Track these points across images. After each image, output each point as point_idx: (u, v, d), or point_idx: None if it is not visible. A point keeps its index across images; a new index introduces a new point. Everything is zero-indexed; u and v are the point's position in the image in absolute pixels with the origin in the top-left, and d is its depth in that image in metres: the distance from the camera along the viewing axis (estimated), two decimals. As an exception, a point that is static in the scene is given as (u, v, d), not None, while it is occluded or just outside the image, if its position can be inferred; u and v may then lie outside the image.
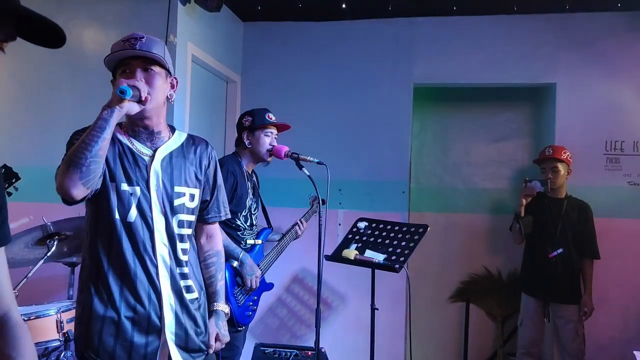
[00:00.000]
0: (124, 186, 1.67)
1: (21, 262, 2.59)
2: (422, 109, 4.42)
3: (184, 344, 1.74)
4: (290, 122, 2.95)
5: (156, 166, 1.72)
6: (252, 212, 2.89)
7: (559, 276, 3.45)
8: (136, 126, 1.74)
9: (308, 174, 2.50)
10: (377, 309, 2.79)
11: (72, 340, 2.52)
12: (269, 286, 3.01)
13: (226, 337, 1.91)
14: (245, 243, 2.84)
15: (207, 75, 3.88)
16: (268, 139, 2.81)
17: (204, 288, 1.87)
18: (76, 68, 3.42)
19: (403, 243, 2.74)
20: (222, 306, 1.92)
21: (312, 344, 2.59)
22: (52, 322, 2.44)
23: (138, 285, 1.66)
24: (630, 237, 3.81)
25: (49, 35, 0.87)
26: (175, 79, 1.82)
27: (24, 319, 2.34)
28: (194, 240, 1.87)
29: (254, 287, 2.77)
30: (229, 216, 2.02)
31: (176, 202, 1.74)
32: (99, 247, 1.68)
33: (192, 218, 1.82)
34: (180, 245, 1.75)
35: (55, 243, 2.55)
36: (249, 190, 2.85)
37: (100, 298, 1.66)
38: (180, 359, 1.71)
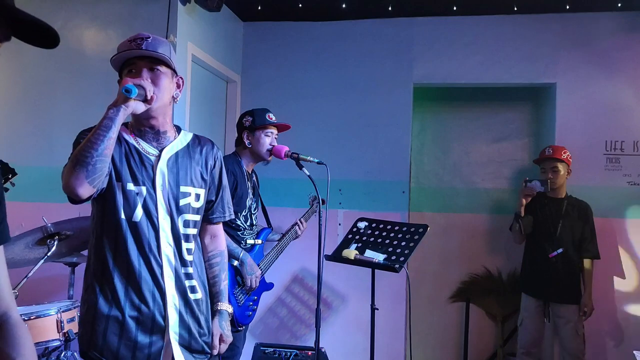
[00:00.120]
0: (130, 186, 1.67)
1: (21, 262, 2.59)
2: (422, 109, 4.42)
3: (188, 344, 1.74)
4: (290, 122, 2.96)
5: (162, 166, 1.73)
6: (252, 212, 2.89)
7: (559, 276, 3.45)
8: (142, 126, 1.75)
9: (308, 174, 2.50)
10: (377, 309, 2.79)
11: (72, 340, 2.52)
12: (269, 286, 3.02)
13: (230, 338, 1.91)
14: (245, 243, 2.84)
15: (207, 75, 3.88)
16: (268, 139, 2.81)
17: (207, 288, 1.87)
18: (76, 68, 3.42)
19: (403, 243, 2.74)
20: (225, 306, 1.93)
21: (312, 344, 2.59)
22: (52, 322, 2.45)
23: (143, 285, 1.66)
24: (631, 237, 3.81)
25: (42, 35, 0.88)
26: (181, 78, 1.82)
27: (24, 319, 2.34)
28: (199, 240, 1.87)
29: (254, 286, 2.77)
30: (233, 217, 2.03)
31: (182, 202, 1.75)
32: (104, 246, 1.68)
33: (198, 218, 1.82)
34: (185, 245, 1.75)
35: (56, 243, 2.55)
36: (249, 190, 2.85)
37: (105, 297, 1.66)
38: (183, 359, 1.72)
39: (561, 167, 3.53)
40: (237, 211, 2.74)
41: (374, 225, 2.92)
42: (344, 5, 3.83)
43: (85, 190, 1.53)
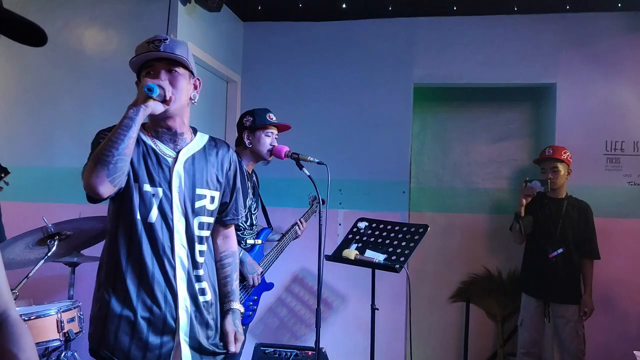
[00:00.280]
0: (147, 187, 1.68)
1: (22, 262, 2.59)
2: (422, 109, 4.42)
3: (197, 346, 1.75)
4: (291, 122, 2.96)
5: (179, 168, 1.74)
6: (252, 212, 2.89)
7: (559, 276, 3.45)
8: (159, 127, 1.75)
9: (308, 174, 2.49)
10: (378, 309, 2.79)
11: (72, 340, 2.52)
12: (269, 286, 3.02)
13: (242, 336, 1.93)
14: (245, 243, 2.84)
15: (207, 75, 3.88)
16: (268, 139, 2.81)
17: (216, 291, 1.88)
18: (76, 68, 3.43)
19: (403, 243, 2.74)
20: (237, 305, 1.95)
21: (312, 344, 2.58)
22: (52, 322, 2.44)
23: (155, 287, 1.67)
24: (630, 237, 3.81)
25: (30, 34, 0.89)
26: (199, 80, 1.83)
27: (24, 319, 2.34)
28: (210, 242, 1.88)
29: (255, 284, 2.78)
30: (244, 219, 2.04)
31: (197, 204, 1.76)
32: (119, 246, 1.69)
33: (212, 220, 1.83)
34: (198, 247, 1.76)
35: (56, 243, 2.55)
36: (249, 190, 2.85)
37: (118, 297, 1.67)
38: None
39: (561, 167, 3.53)
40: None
41: (374, 225, 2.92)
42: (344, 5, 3.83)
43: (106, 188, 1.55)
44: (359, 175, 4.07)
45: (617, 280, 3.78)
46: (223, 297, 1.93)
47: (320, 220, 2.44)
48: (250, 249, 2.86)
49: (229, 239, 2.00)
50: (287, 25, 4.24)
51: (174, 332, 1.70)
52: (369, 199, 4.05)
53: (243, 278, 2.77)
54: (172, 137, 1.76)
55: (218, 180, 1.83)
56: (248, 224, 2.86)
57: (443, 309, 4.39)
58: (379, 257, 2.70)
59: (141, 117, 1.59)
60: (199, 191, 1.76)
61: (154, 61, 1.71)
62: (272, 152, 2.79)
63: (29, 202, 3.33)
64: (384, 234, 2.84)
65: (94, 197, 1.58)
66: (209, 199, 1.79)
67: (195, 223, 1.75)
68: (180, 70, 1.73)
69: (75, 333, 2.57)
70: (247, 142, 2.83)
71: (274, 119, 2.86)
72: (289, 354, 3.21)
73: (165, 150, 1.75)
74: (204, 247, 1.79)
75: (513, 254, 3.99)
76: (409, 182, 4.10)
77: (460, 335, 4.35)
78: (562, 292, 3.46)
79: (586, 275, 3.49)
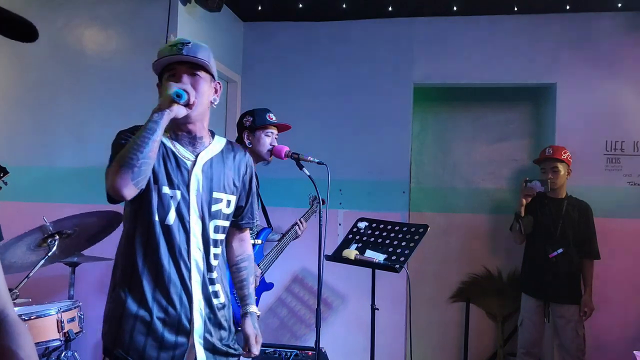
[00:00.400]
0: (166, 189, 1.69)
1: (23, 265, 2.59)
2: (422, 109, 4.42)
3: (211, 348, 1.77)
4: (291, 122, 2.95)
5: (197, 171, 1.75)
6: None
7: (559, 276, 3.45)
8: (180, 130, 1.76)
9: (308, 174, 2.49)
10: (378, 309, 2.79)
11: (72, 340, 2.52)
12: (269, 286, 3.01)
13: (261, 338, 1.97)
14: (246, 243, 2.83)
15: (207, 75, 3.88)
16: (268, 139, 2.81)
17: (228, 294, 1.90)
18: (76, 68, 3.43)
19: (403, 243, 2.74)
20: (254, 308, 1.98)
21: (312, 344, 2.58)
22: (52, 322, 2.45)
23: (171, 288, 1.69)
24: (630, 237, 3.81)
25: (20, 29, 0.89)
26: (219, 83, 1.83)
27: (24, 319, 2.34)
28: (224, 246, 1.90)
29: (255, 285, 2.78)
30: (258, 222, 2.06)
31: (214, 208, 1.77)
32: (136, 246, 1.70)
33: (227, 224, 1.85)
34: (213, 250, 1.77)
35: (56, 242, 2.55)
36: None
37: (134, 297, 1.68)
38: None
39: (561, 167, 3.53)
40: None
41: (374, 225, 2.92)
42: (344, 5, 3.83)
43: (130, 191, 1.57)
44: (359, 175, 4.07)
45: (617, 280, 3.78)
46: (240, 300, 1.98)
47: (320, 220, 2.44)
48: (250, 249, 2.85)
49: (245, 242, 2.03)
50: (287, 25, 4.24)
51: (188, 333, 1.71)
52: (369, 199, 4.05)
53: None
54: (192, 140, 1.77)
55: (234, 184, 1.85)
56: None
57: (443, 309, 4.39)
58: (379, 257, 2.70)
59: (165, 120, 1.61)
60: (215, 195, 1.77)
61: (176, 64, 1.71)
62: (272, 152, 2.79)
63: (29, 202, 3.33)
64: (384, 234, 2.84)
65: (116, 199, 1.60)
66: (225, 202, 1.81)
67: (211, 226, 1.76)
68: (202, 74, 1.73)
69: (76, 333, 2.57)
70: (247, 142, 2.83)
71: (274, 119, 2.86)
72: (289, 354, 3.21)
73: (184, 153, 1.76)
74: (218, 251, 1.81)
75: (513, 254, 3.99)
76: (409, 182, 4.11)
77: (460, 335, 4.35)
78: (562, 292, 3.46)
79: (586, 276, 3.49)
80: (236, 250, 2.01)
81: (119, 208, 3.15)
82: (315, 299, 2.53)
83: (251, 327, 1.94)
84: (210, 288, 1.77)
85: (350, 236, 2.92)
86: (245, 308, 1.97)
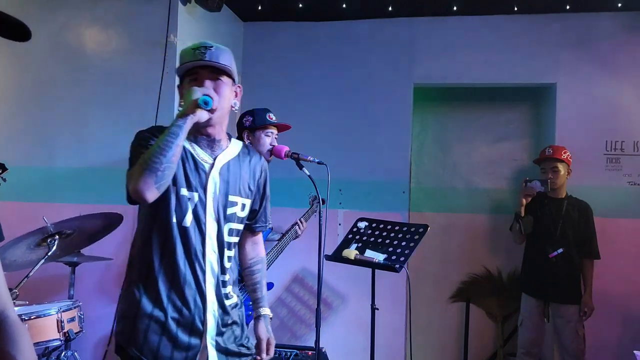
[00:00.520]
0: (184, 191, 1.70)
1: (23, 264, 2.59)
2: (422, 109, 4.42)
3: (224, 349, 1.78)
4: (291, 122, 2.95)
5: (215, 174, 1.76)
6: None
7: (559, 276, 3.45)
8: (199, 133, 1.77)
9: (308, 173, 2.49)
10: (378, 309, 2.79)
11: (72, 339, 2.52)
12: (269, 286, 3.01)
13: (274, 341, 1.98)
14: (246, 243, 2.83)
15: (207, 75, 3.88)
16: (268, 139, 2.81)
17: (239, 293, 1.91)
18: (76, 68, 3.43)
19: (403, 243, 2.74)
20: (267, 310, 2.01)
21: (312, 344, 2.58)
22: (52, 321, 2.45)
23: (186, 290, 1.70)
24: (631, 237, 3.81)
25: (15, 30, 0.90)
26: (239, 87, 1.85)
27: (24, 319, 2.34)
28: (237, 248, 1.91)
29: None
30: (272, 226, 2.08)
31: (229, 211, 1.78)
32: (152, 247, 1.71)
33: (241, 227, 1.86)
34: (227, 253, 1.79)
35: (56, 242, 2.55)
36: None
37: (149, 297, 1.70)
38: None
39: (561, 167, 3.53)
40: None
41: (374, 225, 2.92)
42: (344, 5, 3.83)
43: (153, 194, 1.58)
44: (359, 175, 4.07)
45: (617, 280, 3.77)
46: (254, 302, 2.00)
47: (320, 220, 2.44)
48: (250, 248, 2.85)
49: (258, 245, 2.06)
50: (287, 25, 4.24)
51: (201, 334, 1.73)
52: (369, 199, 4.05)
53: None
54: (210, 143, 1.78)
55: (249, 188, 1.87)
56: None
57: (443, 309, 4.39)
58: (379, 257, 2.70)
59: (189, 125, 1.62)
60: (231, 198, 1.79)
61: (199, 68, 1.72)
62: (272, 152, 2.78)
63: (29, 202, 3.33)
64: (384, 233, 2.84)
65: (137, 201, 1.61)
66: (240, 206, 1.82)
67: (225, 229, 1.78)
68: (224, 78, 1.75)
69: (76, 333, 2.57)
70: (247, 142, 2.83)
71: (274, 118, 2.85)
72: (289, 354, 3.21)
73: (202, 155, 1.77)
74: (231, 253, 1.83)
75: (513, 254, 3.99)
76: (409, 182, 4.11)
77: (460, 335, 4.35)
78: (562, 292, 3.46)
79: (586, 275, 3.49)
80: (249, 253, 2.03)
81: (119, 210, 3.15)
82: (315, 298, 2.53)
83: (264, 330, 1.96)
84: (223, 290, 1.79)
85: (350, 236, 2.92)
86: (258, 311, 1.99)
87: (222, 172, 1.77)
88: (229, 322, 1.80)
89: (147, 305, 1.69)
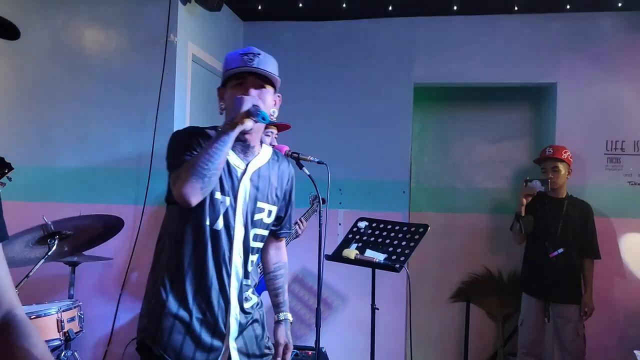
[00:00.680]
0: (217, 195, 1.71)
1: (21, 261, 2.59)
2: (422, 109, 4.42)
3: (245, 351, 1.81)
4: (290, 121, 2.95)
5: (246, 180, 1.78)
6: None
7: (559, 276, 3.45)
8: (237, 139, 1.76)
9: (308, 173, 2.49)
10: (378, 309, 2.79)
11: (72, 339, 2.52)
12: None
13: (292, 345, 2.01)
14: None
15: (207, 74, 3.88)
16: (268, 139, 2.81)
17: (257, 293, 1.94)
18: (76, 68, 3.42)
19: (403, 243, 2.74)
20: (289, 315, 2.04)
21: (312, 344, 2.58)
22: (52, 321, 2.45)
23: (212, 292, 1.72)
24: (631, 237, 3.80)
25: (4, 29, 0.90)
26: (279, 96, 1.86)
27: (24, 319, 2.31)
28: (259, 254, 1.93)
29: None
30: (293, 231, 2.10)
31: (256, 217, 1.80)
32: (183, 248, 1.72)
33: (266, 233, 1.88)
34: (251, 258, 1.81)
35: (56, 242, 2.55)
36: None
37: (175, 296, 1.71)
38: None
39: (562, 167, 3.53)
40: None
41: (374, 225, 2.92)
42: (344, 5, 3.83)
43: (197, 198, 1.61)
44: (359, 175, 4.07)
45: (617, 280, 3.77)
46: (276, 306, 2.03)
47: (320, 219, 2.43)
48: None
49: (281, 250, 2.09)
50: (287, 25, 4.24)
51: (223, 336, 1.75)
52: (369, 199, 4.05)
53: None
54: (244, 149, 1.79)
55: (276, 195, 1.88)
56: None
57: (443, 309, 4.38)
58: (379, 257, 2.70)
59: (236, 133, 1.64)
60: (259, 204, 1.80)
61: (246, 74, 1.73)
62: (272, 151, 2.78)
63: (29, 201, 3.32)
64: (384, 233, 2.84)
65: (179, 203, 1.62)
66: (267, 212, 1.84)
67: (251, 234, 1.79)
68: (269, 87, 1.76)
69: (76, 332, 2.57)
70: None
71: (274, 118, 2.85)
72: (289, 353, 3.21)
73: (236, 160, 1.78)
74: (255, 258, 1.85)
75: (513, 253, 3.99)
76: (409, 182, 4.10)
77: (460, 335, 4.34)
78: (562, 292, 3.46)
79: (586, 275, 3.49)
80: (273, 258, 2.06)
81: (119, 209, 3.15)
82: (315, 298, 2.53)
83: (283, 335, 1.98)
84: (244, 294, 1.81)
85: (351, 236, 2.92)
86: (280, 315, 2.01)
87: (253, 178, 1.79)
88: (250, 321, 1.83)
89: (172, 304, 1.70)
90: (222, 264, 1.72)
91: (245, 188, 1.76)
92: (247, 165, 1.79)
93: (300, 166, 2.55)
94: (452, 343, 4.41)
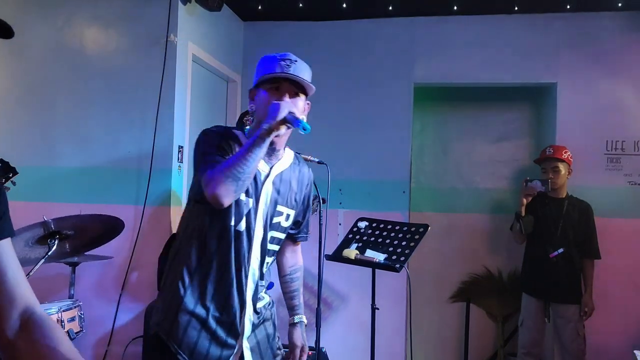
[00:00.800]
0: (242, 196, 1.72)
1: (21, 261, 2.58)
2: (422, 109, 4.41)
3: (258, 351, 1.83)
4: (291, 121, 2.95)
5: (269, 183, 1.79)
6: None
7: (559, 276, 3.45)
8: None
9: (308, 173, 2.49)
10: (378, 309, 2.79)
11: (72, 339, 2.51)
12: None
13: (307, 348, 2.02)
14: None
15: (207, 74, 3.88)
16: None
17: (269, 293, 1.95)
18: (76, 68, 3.42)
19: (404, 243, 2.74)
20: (304, 317, 2.06)
21: (312, 344, 2.58)
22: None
23: (231, 292, 1.74)
24: (631, 237, 3.81)
25: None
26: (309, 103, 1.86)
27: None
28: (275, 257, 1.95)
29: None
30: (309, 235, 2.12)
31: (275, 220, 1.82)
32: (208, 247, 1.73)
33: (283, 236, 1.90)
34: (267, 260, 1.83)
35: (56, 242, 2.54)
36: (250, 190, 2.85)
37: (193, 294, 1.73)
38: None
39: (562, 167, 3.53)
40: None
41: (374, 225, 2.92)
42: (344, 5, 3.83)
43: (230, 200, 1.63)
44: (359, 175, 4.07)
45: (617, 280, 3.77)
46: (291, 309, 2.05)
47: (320, 220, 2.44)
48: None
49: (297, 254, 2.12)
50: (287, 25, 4.24)
51: (237, 336, 1.77)
52: (369, 199, 4.04)
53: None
54: (270, 152, 1.79)
55: (295, 200, 1.89)
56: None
57: (443, 309, 4.38)
58: (379, 257, 2.70)
59: (271, 139, 1.66)
60: (279, 208, 1.82)
61: (282, 79, 1.74)
62: (272, 151, 2.78)
63: (30, 201, 3.32)
64: (384, 233, 2.84)
65: (212, 203, 1.62)
66: (285, 216, 1.86)
67: (269, 237, 1.81)
68: (302, 94, 1.78)
69: (76, 332, 2.57)
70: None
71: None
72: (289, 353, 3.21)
73: (260, 164, 1.78)
74: (270, 260, 1.87)
75: (513, 253, 3.99)
76: (409, 182, 4.10)
77: (460, 335, 4.34)
78: (562, 292, 3.46)
79: (587, 275, 3.49)
80: (289, 260, 2.08)
81: (119, 209, 3.15)
82: (315, 298, 2.53)
83: (299, 337, 1.99)
84: (259, 295, 1.83)
85: (351, 236, 2.92)
86: (295, 318, 2.03)
87: (275, 182, 1.81)
88: (261, 320, 1.85)
89: (190, 301, 1.72)
90: (242, 265, 1.74)
91: (267, 191, 1.78)
92: (270, 168, 1.80)
93: (301, 166, 2.55)
94: (452, 343, 4.41)
